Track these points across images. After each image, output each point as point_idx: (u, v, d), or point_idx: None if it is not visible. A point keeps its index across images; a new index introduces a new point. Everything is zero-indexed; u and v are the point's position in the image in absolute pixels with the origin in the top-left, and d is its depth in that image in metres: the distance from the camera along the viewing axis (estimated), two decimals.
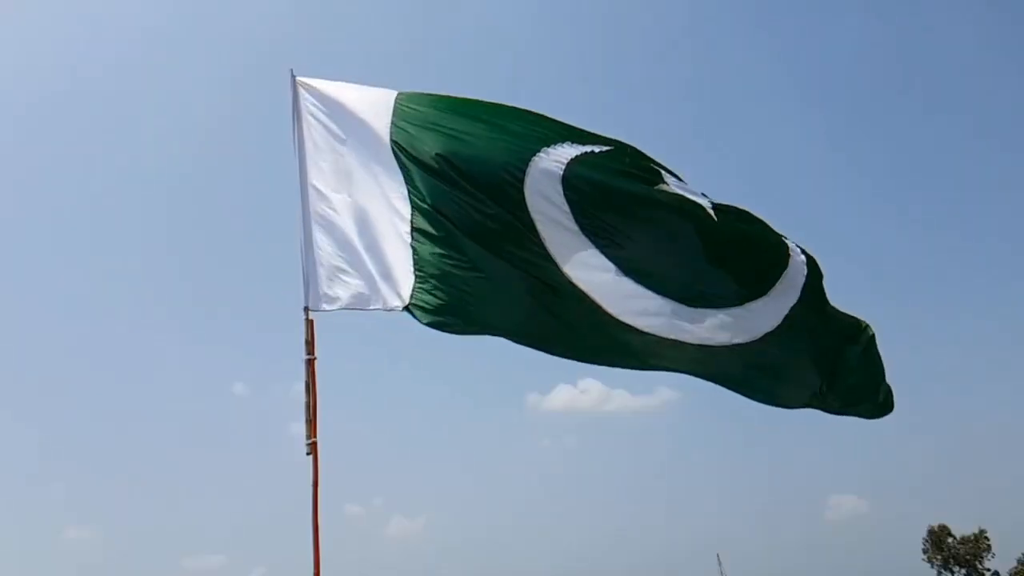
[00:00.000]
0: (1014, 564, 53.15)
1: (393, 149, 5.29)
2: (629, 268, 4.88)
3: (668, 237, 4.93)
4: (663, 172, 5.00)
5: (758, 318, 4.92)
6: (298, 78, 5.58)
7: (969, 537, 54.30)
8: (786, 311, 4.92)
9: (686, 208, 4.89)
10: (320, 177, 5.45)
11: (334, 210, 5.39)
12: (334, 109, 5.52)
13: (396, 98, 5.37)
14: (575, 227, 4.91)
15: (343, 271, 5.27)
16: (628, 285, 4.87)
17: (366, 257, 5.27)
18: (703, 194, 4.99)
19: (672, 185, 4.97)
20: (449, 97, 5.33)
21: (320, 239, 5.35)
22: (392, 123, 5.31)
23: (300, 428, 4.87)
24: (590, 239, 4.90)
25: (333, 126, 5.50)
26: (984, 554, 53.80)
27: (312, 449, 4.78)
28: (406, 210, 5.21)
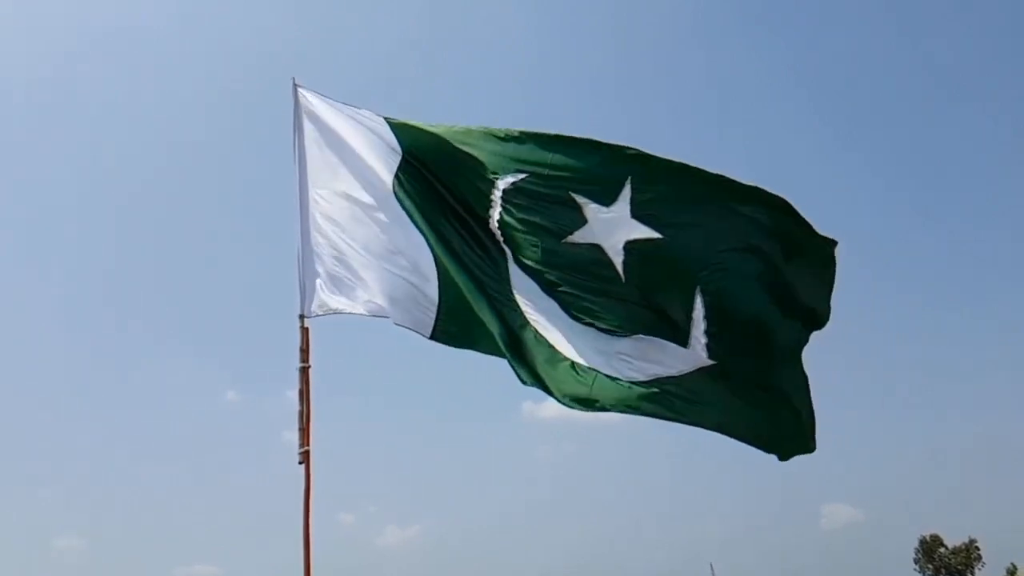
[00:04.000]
0: (1003, 574, 53.28)
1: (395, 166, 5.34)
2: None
3: (587, 280, 4.78)
4: (584, 205, 4.71)
5: (684, 358, 4.58)
6: (299, 87, 5.60)
7: (960, 547, 54.45)
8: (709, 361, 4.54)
9: (593, 267, 4.72)
10: (319, 185, 5.47)
11: (332, 218, 5.42)
12: (335, 120, 5.53)
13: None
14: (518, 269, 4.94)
15: (340, 279, 5.29)
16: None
17: (363, 266, 5.29)
18: (635, 215, 4.62)
19: (591, 224, 4.71)
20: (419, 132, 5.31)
21: (317, 247, 5.37)
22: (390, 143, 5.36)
23: (293, 436, 4.85)
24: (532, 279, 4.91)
25: (333, 136, 5.51)
26: (975, 564, 53.95)
27: (304, 458, 4.76)
28: (406, 221, 5.26)
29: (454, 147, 5.12)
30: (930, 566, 54.28)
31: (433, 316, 5.14)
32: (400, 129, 5.32)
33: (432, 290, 5.15)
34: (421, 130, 5.29)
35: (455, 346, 5.20)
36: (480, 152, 5.04)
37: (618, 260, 4.65)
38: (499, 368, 4.86)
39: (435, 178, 5.23)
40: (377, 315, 5.22)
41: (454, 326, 5.13)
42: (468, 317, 5.02)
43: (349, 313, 5.22)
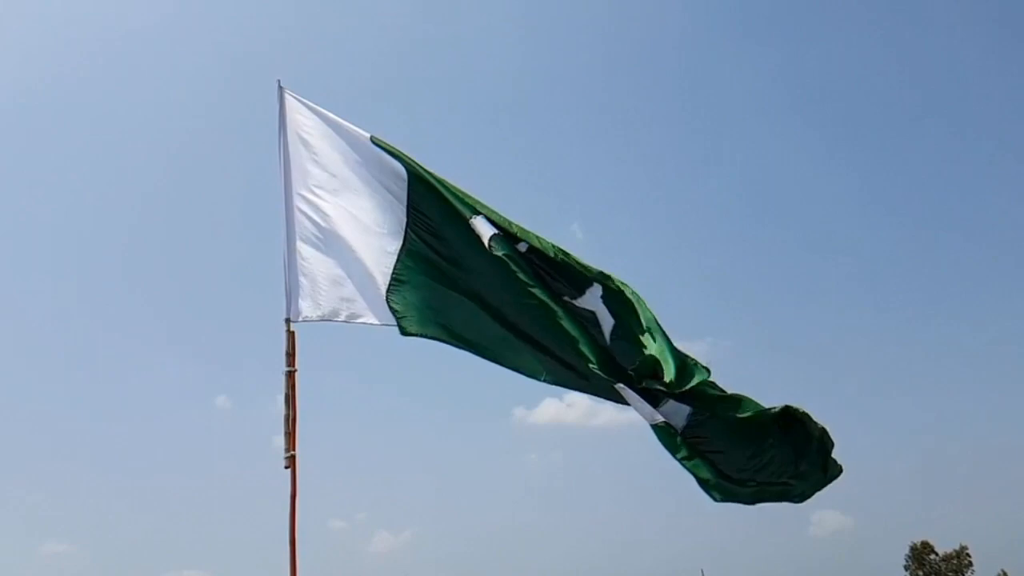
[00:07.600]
0: None
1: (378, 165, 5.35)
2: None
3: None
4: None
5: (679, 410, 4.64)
6: (285, 90, 5.60)
7: (951, 553, 54.57)
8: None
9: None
10: (305, 189, 5.47)
11: (318, 222, 5.41)
12: (320, 123, 5.54)
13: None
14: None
15: (326, 283, 5.27)
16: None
17: (350, 270, 5.27)
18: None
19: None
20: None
21: (304, 251, 5.36)
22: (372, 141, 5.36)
23: (282, 441, 4.81)
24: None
25: (319, 139, 5.51)
26: (966, 570, 54.09)
27: (290, 463, 4.74)
28: (392, 224, 5.25)
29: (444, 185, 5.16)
30: (920, 573, 54.35)
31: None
32: (387, 149, 5.34)
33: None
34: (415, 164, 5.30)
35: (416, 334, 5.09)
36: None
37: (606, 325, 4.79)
38: (489, 373, 4.85)
39: (430, 184, 5.21)
40: (364, 323, 5.20)
41: (411, 318, 5.08)
42: (431, 314, 5.03)
43: (331, 321, 5.20)
